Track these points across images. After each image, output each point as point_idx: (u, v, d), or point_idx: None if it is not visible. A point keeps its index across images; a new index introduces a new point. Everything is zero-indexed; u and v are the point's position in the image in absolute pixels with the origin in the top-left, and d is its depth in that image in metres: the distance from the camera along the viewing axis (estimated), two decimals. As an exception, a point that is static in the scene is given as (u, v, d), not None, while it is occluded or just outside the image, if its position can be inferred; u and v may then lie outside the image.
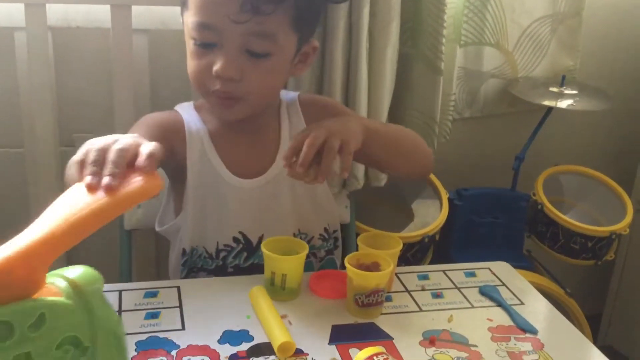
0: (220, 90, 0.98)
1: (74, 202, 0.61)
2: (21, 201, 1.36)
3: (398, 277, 1.06)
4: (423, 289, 1.04)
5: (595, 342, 0.94)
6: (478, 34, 1.58)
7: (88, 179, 0.63)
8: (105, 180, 0.62)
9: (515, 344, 0.91)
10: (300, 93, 1.16)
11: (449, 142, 1.56)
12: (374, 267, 0.96)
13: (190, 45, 1.00)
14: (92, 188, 0.62)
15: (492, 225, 1.59)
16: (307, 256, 1.11)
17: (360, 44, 1.27)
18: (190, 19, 0.98)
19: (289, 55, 1.02)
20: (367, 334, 0.91)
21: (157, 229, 1.13)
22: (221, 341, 0.87)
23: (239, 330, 0.89)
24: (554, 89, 1.58)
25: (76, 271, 0.61)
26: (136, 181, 0.62)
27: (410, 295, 1.02)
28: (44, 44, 1.24)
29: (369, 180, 1.42)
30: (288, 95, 1.14)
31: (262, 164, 1.08)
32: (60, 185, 1.32)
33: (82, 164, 0.65)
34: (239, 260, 1.08)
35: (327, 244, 1.16)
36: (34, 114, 1.28)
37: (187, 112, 1.10)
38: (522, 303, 1.02)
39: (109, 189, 0.61)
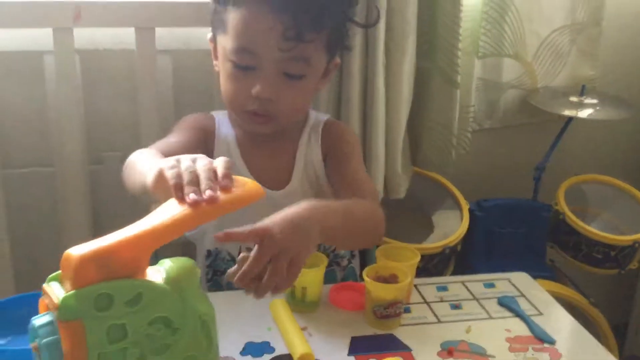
0: (258, 111, 1.04)
1: (174, 207, 0.68)
2: (51, 218, 1.40)
3: (417, 289, 1.08)
4: (442, 300, 1.06)
5: (621, 352, 0.94)
6: (497, 46, 1.59)
7: (191, 196, 0.67)
8: (208, 192, 0.68)
9: (532, 354, 0.92)
10: (329, 118, 1.20)
11: (469, 153, 1.58)
12: (392, 279, 0.98)
13: (227, 67, 1.04)
14: (196, 204, 0.67)
15: (514, 235, 1.59)
16: (330, 264, 1.15)
17: (377, 58, 1.29)
18: (229, 43, 1.02)
19: (319, 74, 1.08)
20: (386, 345, 0.93)
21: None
22: (243, 353, 0.90)
23: (261, 342, 0.92)
24: (574, 99, 1.59)
25: (176, 262, 0.68)
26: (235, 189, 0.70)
27: (429, 307, 1.04)
28: (71, 66, 1.28)
29: (387, 193, 1.43)
30: (318, 117, 1.19)
31: (281, 176, 1.12)
32: (90, 202, 1.37)
33: (177, 187, 0.69)
34: None
35: (348, 252, 1.19)
36: (63, 133, 1.32)
37: (220, 117, 1.16)
38: (540, 313, 1.03)
39: (213, 200, 0.67)
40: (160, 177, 0.73)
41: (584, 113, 1.54)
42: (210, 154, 1.10)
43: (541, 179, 1.60)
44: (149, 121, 1.34)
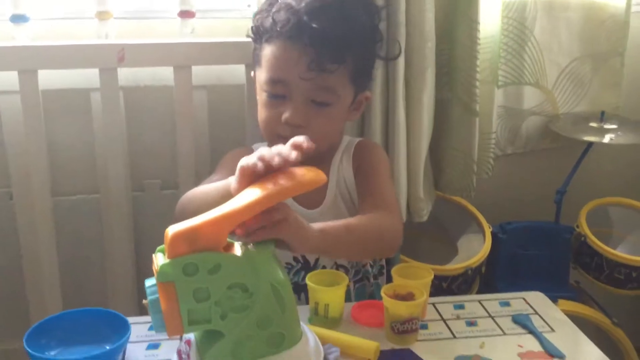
0: (288, 136, 1.10)
1: (247, 193, 0.82)
2: (97, 241, 1.50)
3: (434, 307, 1.14)
4: (458, 318, 1.11)
5: None
6: (517, 75, 1.65)
7: (277, 159, 0.82)
8: (294, 153, 0.83)
9: (542, 368, 0.97)
10: (363, 139, 1.29)
11: (491, 178, 1.62)
12: (409, 297, 1.04)
13: (262, 96, 1.16)
14: (285, 163, 0.83)
15: (537, 257, 1.64)
16: (362, 279, 1.23)
17: (397, 91, 1.37)
18: (263, 75, 1.15)
19: (346, 104, 1.18)
20: (404, 359, 0.99)
21: None
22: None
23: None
24: (594, 124, 1.63)
25: (257, 244, 0.84)
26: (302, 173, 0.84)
27: (445, 324, 1.09)
28: (116, 102, 1.38)
29: (411, 216, 1.50)
30: (352, 140, 1.27)
31: (316, 196, 1.19)
32: (132, 225, 1.47)
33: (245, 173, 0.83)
34: (298, 278, 1.19)
35: (373, 270, 1.26)
36: (108, 163, 1.41)
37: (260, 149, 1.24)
38: (553, 330, 1.07)
39: (297, 155, 0.82)
40: (243, 172, 0.84)
41: (605, 138, 1.57)
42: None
43: (562, 202, 1.64)
44: (185, 151, 1.44)
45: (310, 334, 0.90)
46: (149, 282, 0.81)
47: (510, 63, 1.63)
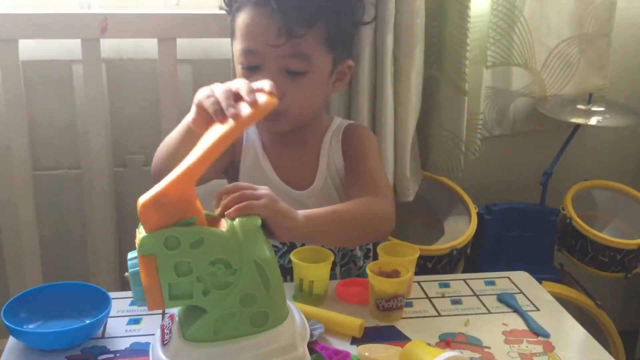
0: None
1: (205, 138, 0.81)
2: (78, 217, 1.48)
3: (420, 285, 1.13)
4: (443, 296, 1.10)
5: (632, 358, 0.96)
6: (506, 55, 1.64)
7: (231, 110, 0.80)
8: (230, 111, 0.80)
9: (527, 346, 0.97)
10: (352, 123, 1.25)
11: (478, 159, 1.62)
12: (394, 274, 1.03)
13: (238, 69, 1.14)
14: (236, 116, 0.80)
15: (522, 238, 1.64)
16: (348, 263, 1.22)
17: (385, 68, 1.35)
18: (237, 46, 1.12)
19: (324, 73, 1.13)
20: (388, 336, 0.98)
21: None
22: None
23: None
24: (582, 107, 1.63)
25: (241, 219, 0.82)
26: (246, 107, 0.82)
27: (430, 302, 1.09)
28: (98, 75, 1.36)
29: (397, 196, 1.49)
30: (342, 122, 1.24)
31: (306, 177, 1.18)
32: (114, 202, 1.45)
33: (217, 112, 0.82)
34: (284, 261, 1.18)
35: (362, 253, 1.25)
36: (90, 138, 1.39)
37: None
38: (537, 309, 1.07)
39: (234, 116, 0.79)
40: (200, 109, 0.85)
41: (592, 120, 1.57)
42: (237, 159, 1.19)
43: (548, 184, 1.64)
44: (170, 126, 1.39)
45: (298, 314, 0.88)
46: (131, 255, 0.80)
47: (499, 43, 1.62)
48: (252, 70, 1.10)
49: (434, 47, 1.47)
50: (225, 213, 0.83)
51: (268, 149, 1.20)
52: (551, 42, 1.68)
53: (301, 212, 0.95)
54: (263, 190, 0.88)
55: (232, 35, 1.16)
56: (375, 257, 1.29)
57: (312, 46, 1.09)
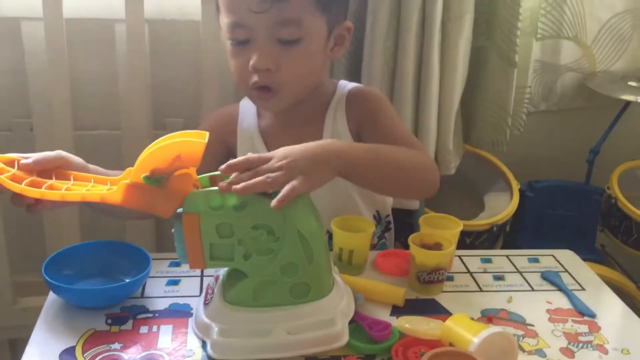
0: (259, 83, 1.02)
1: None
2: (117, 179, 1.48)
3: (461, 259, 1.11)
4: (485, 272, 1.08)
5: None
6: (556, 28, 1.59)
7: None
8: None
9: (572, 326, 0.94)
10: (353, 88, 1.14)
11: (523, 135, 1.58)
12: (435, 247, 1.01)
13: (227, 46, 1.05)
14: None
15: (564, 217, 1.60)
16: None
17: (432, 36, 1.31)
18: (223, 21, 1.03)
19: (320, 38, 1.03)
20: (428, 309, 0.96)
21: None
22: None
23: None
24: (633, 84, 1.57)
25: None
26: None
27: (472, 276, 1.06)
28: (141, 35, 1.34)
29: (438, 168, 1.45)
30: (344, 89, 1.14)
31: None
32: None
33: None
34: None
35: (378, 229, 1.19)
36: (130, 99, 1.38)
37: (247, 106, 1.16)
38: (583, 289, 1.04)
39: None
40: None
41: (643, 98, 1.52)
42: (233, 149, 1.14)
43: (594, 163, 1.59)
44: (210, 90, 1.40)
45: (346, 290, 0.86)
46: (177, 214, 0.80)
47: (550, 15, 1.57)
48: (242, 45, 1.01)
49: (483, 16, 1.42)
50: (235, 189, 0.78)
51: (265, 133, 1.13)
52: (603, 15, 1.62)
53: (335, 149, 0.88)
54: (277, 161, 0.82)
55: (217, 10, 1.06)
56: (397, 231, 1.27)
57: (300, 8, 0.98)
